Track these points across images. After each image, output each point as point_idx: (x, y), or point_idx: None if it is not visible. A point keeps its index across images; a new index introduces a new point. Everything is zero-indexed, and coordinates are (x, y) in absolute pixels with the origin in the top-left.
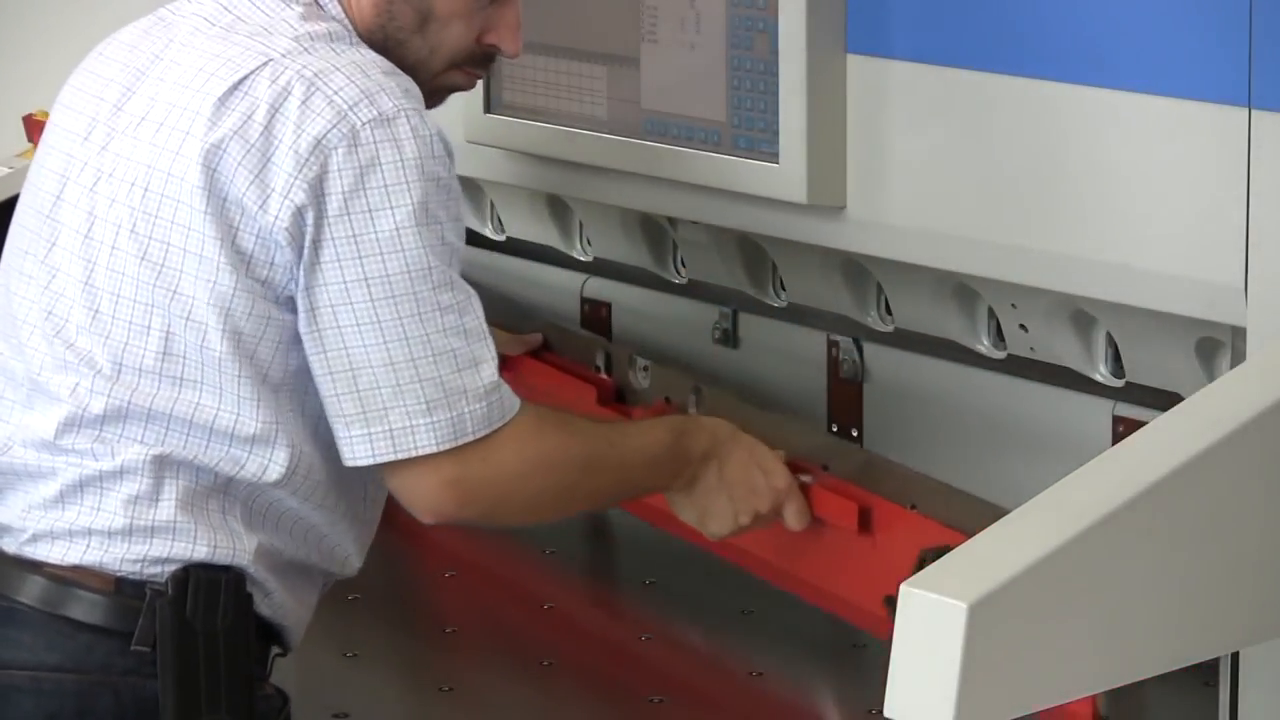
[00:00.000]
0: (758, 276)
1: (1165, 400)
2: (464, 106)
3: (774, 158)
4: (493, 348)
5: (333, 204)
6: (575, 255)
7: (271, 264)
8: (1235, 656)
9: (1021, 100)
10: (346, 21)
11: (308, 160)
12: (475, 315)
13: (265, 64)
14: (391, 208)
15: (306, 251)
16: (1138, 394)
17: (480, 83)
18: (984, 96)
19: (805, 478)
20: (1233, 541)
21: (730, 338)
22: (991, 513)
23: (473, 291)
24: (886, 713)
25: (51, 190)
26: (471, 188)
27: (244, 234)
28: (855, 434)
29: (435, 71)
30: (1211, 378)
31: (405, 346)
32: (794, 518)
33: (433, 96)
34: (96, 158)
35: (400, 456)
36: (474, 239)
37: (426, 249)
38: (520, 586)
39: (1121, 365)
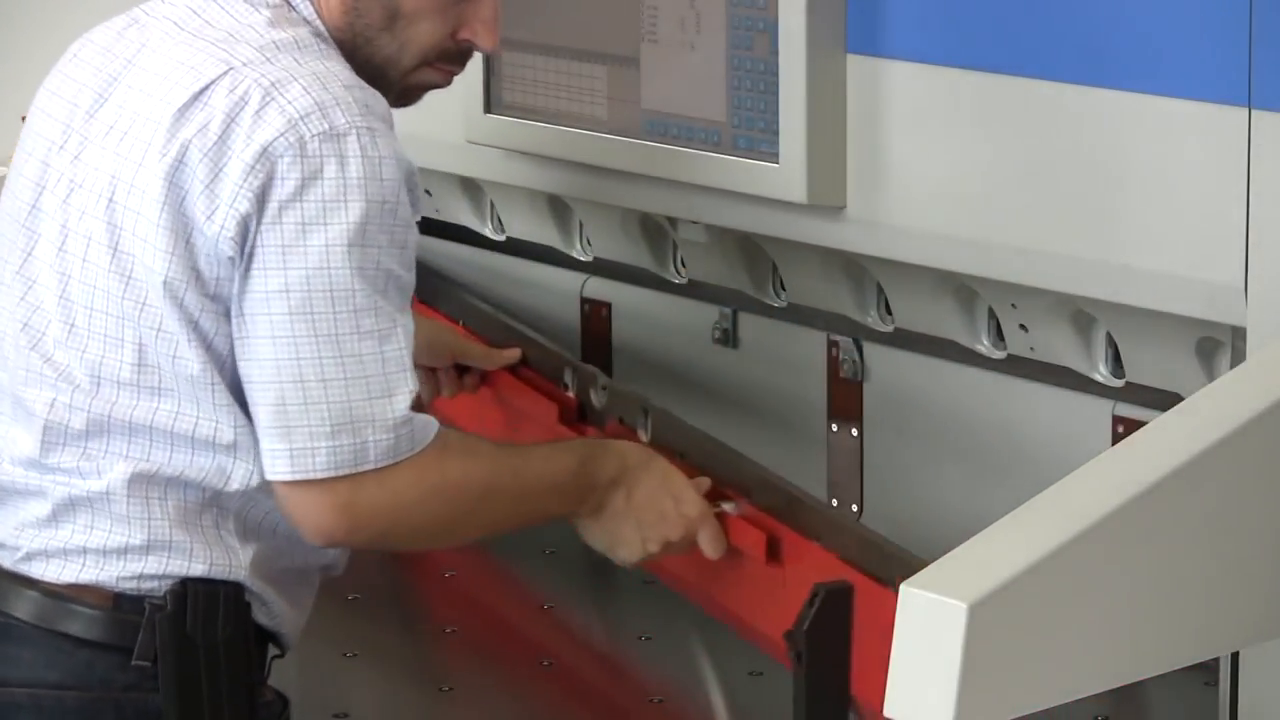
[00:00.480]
0: (758, 276)
1: (1165, 400)
2: (464, 106)
3: (774, 158)
4: (413, 381)
5: (270, 211)
6: (575, 255)
7: (218, 279)
8: (1235, 656)
9: (1021, 100)
10: (318, 23)
11: (254, 168)
12: (398, 345)
13: (225, 73)
14: (325, 224)
15: (244, 258)
16: (1138, 394)
17: (480, 83)
18: (984, 96)
19: (726, 505)
20: (1233, 541)
21: (730, 338)
22: (898, 556)
23: (401, 321)
24: (886, 713)
25: (27, 199)
26: (471, 188)
27: (195, 247)
28: (855, 433)
29: (406, 69)
30: (1211, 378)
31: (317, 366)
32: (708, 545)
33: (407, 94)
34: (70, 168)
35: (296, 478)
36: (474, 239)
37: (354, 271)
38: (520, 586)
39: (1121, 365)
